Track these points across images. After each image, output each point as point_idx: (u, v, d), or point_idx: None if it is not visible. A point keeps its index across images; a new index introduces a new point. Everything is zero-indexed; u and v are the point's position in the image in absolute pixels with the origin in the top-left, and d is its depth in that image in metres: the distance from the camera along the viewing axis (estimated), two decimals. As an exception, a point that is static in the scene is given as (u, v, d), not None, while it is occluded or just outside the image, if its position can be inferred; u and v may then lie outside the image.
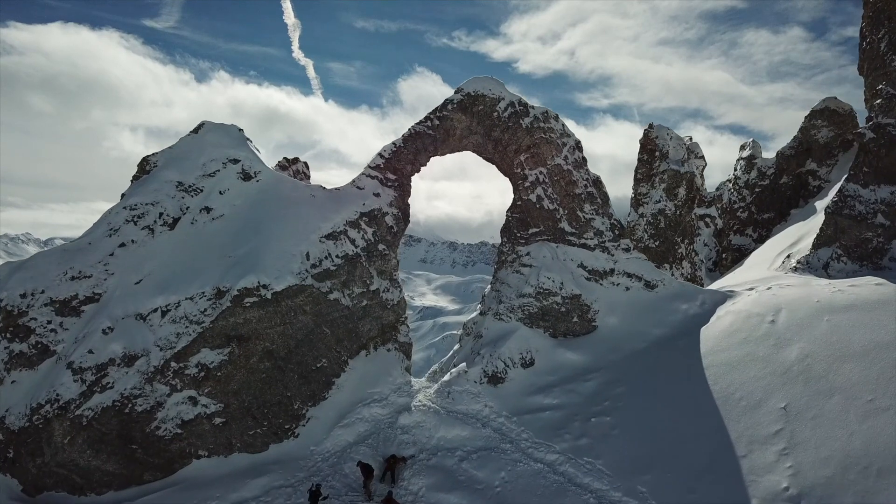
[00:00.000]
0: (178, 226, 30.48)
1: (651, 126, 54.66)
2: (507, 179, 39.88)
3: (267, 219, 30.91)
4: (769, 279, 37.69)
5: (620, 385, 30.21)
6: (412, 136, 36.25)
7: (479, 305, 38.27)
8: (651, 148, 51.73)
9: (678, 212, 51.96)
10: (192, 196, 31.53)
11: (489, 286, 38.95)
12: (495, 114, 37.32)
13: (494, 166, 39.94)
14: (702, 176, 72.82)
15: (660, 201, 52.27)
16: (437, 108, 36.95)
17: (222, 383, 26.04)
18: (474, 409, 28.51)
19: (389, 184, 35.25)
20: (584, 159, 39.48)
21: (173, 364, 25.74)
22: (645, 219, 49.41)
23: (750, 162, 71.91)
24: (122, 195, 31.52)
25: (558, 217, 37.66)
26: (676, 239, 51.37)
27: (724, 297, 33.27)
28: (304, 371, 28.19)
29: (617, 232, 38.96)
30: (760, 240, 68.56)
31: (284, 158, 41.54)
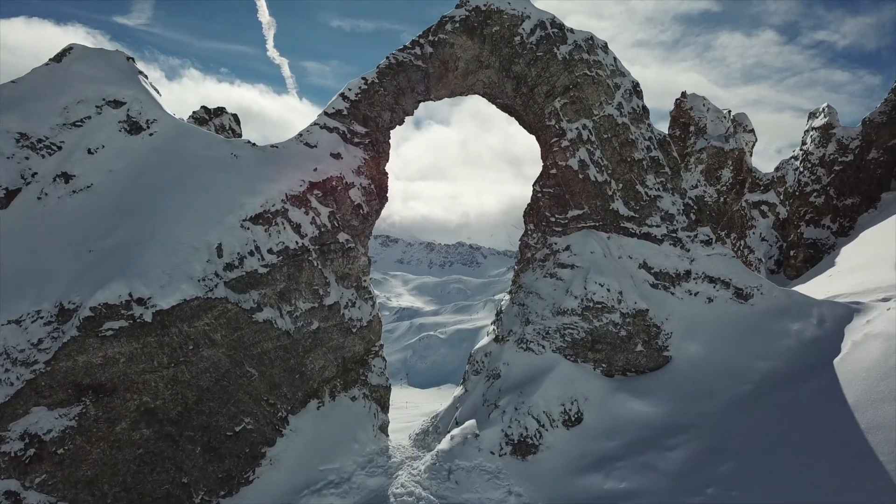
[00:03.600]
0: (14, 202, 24.19)
1: (684, 95, 50.53)
2: (530, 144, 31.37)
3: (160, 191, 24.31)
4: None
5: (726, 457, 23.19)
6: (392, 70, 28.51)
7: (493, 327, 29.36)
8: (684, 121, 48.24)
9: (722, 199, 49.01)
10: (41, 156, 25.24)
11: (506, 297, 30.19)
12: (517, 38, 30.77)
13: (515, 118, 33.42)
14: (751, 154, 66.24)
15: (696, 186, 49.04)
16: (429, 30, 28.31)
17: (66, 467, 19.86)
18: (492, 500, 21.88)
19: (357, 140, 28.65)
20: (646, 109, 31.36)
21: (-20, 435, 19.08)
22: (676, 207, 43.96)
23: (826, 133, 64.21)
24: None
25: (610, 193, 31.06)
26: (720, 233, 47.54)
27: (850, 311, 28.53)
28: (213, 440, 22.43)
29: (693, 216, 30.84)
30: (842, 232, 61.11)
31: (203, 108, 32.79)
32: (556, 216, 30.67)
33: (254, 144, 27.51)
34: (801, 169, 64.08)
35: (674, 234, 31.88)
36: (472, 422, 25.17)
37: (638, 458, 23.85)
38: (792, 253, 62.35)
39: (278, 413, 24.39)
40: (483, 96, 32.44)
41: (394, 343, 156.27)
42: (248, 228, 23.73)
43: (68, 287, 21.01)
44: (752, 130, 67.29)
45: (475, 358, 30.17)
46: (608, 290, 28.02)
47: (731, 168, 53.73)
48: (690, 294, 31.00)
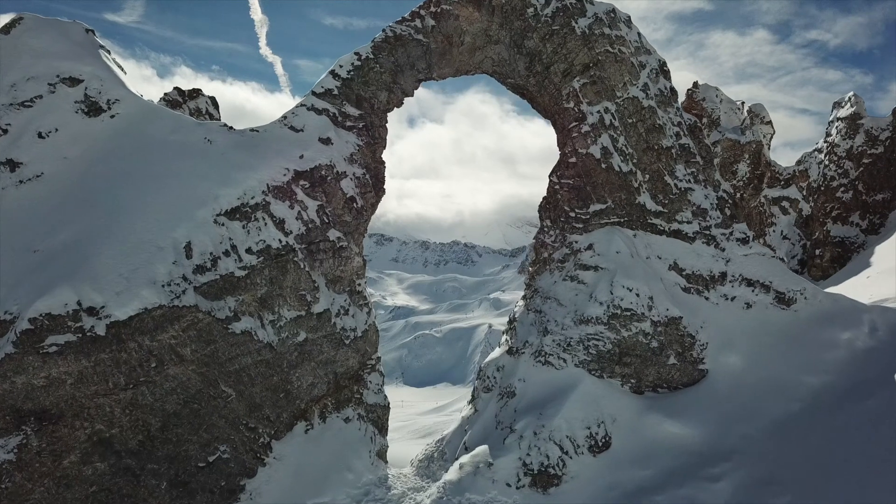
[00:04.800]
0: (-50, 194, 22.37)
1: (696, 86, 49.24)
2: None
3: (120, 181, 22.31)
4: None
5: (780, 490, 21.00)
6: (389, 44, 26.87)
7: (505, 337, 27.19)
8: (697, 113, 45.51)
9: (739, 194, 47.96)
10: (-17, 141, 23.13)
11: (520, 303, 28.00)
12: (530, 10, 29.07)
13: (527, 101, 32.05)
14: (769, 147, 65.17)
15: (711, 181, 47.37)
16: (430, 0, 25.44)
17: (3, 507, 18.10)
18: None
19: (350, 123, 26.58)
20: (674, 91, 29.77)
21: None
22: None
23: (853, 123, 62.43)
24: None
25: (636, 185, 29.45)
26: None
27: (906, 317, 27.13)
28: (182, 473, 20.46)
29: (728, 211, 28.99)
30: (872, 229, 59.56)
31: (176, 89, 30.84)
32: (577, 211, 28.67)
33: (230, 128, 25.30)
34: (827, 162, 62.28)
35: (707, 232, 30.10)
36: (483, 448, 23.01)
37: (678, 491, 21.74)
38: (817, 252, 60.49)
39: (260, 439, 22.41)
40: (492, 75, 30.34)
41: (389, 342, 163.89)
42: (223, 224, 21.65)
43: (5, 294, 18.81)
44: (770, 122, 65.59)
45: (486, 373, 27.84)
46: (637, 295, 25.96)
47: (748, 162, 52.53)
48: (726, 299, 29.24)
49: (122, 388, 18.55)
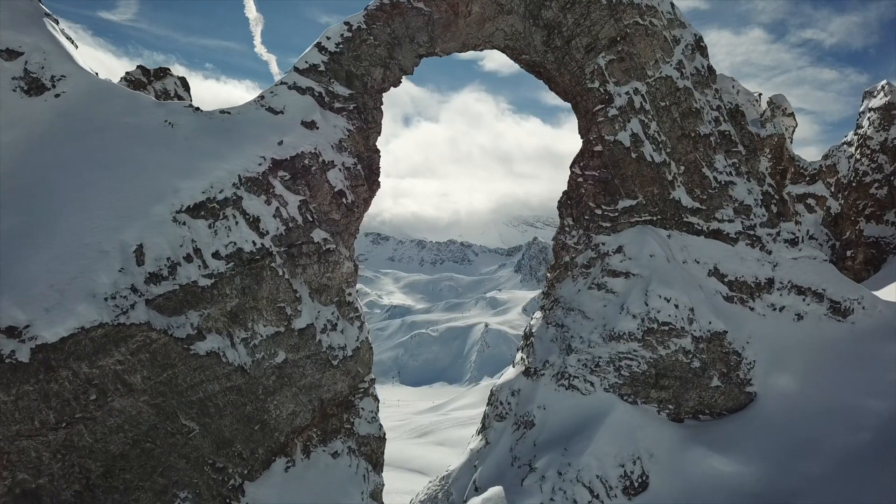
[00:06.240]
0: None
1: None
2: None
3: (62, 170, 19.84)
4: None
5: None
6: (384, 13, 25.23)
7: (520, 355, 24.86)
8: None
9: None
10: None
11: (537, 315, 25.41)
12: None
13: (544, 81, 29.27)
14: (791, 141, 63.66)
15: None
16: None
17: None
18: None
19: (339, 105, 24.00)
20: (712, 70, 27.49)
21: None
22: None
23: (888, 114, 60.32)
24: None
25: (670, 178, 27.30)
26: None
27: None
28: None
29: (774, 207, 26.78)
30: None
31: (140, 68, 28.23)
32: (603, 208, 26.54)
33: (197, 109, 22.64)
34: (858, 156, 60.04)
35: (751, 232, 27.94)
36: (497, 490, 20.50)
37: (733, 546, 18.80)
38: (849, 253, 58.24)
39: (229, 481, 19.90)
40: (503, 51, 28.06)
41: (385, 341, 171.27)
42: (184, 223, 19.13)
43: None
44: (793, 114, 63.55)
45: (498, 398, 25.28)
46: (676, 305, 23.73)
47: (770, 156, 51.48)
48: (774, 309, 27.09)
49: (51, 427, 15.87)
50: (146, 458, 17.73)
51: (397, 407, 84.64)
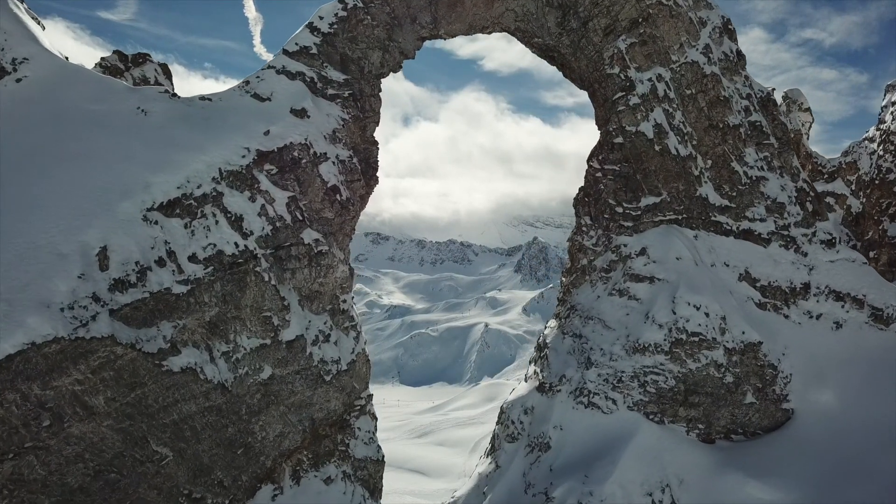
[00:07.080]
0: None
1: None
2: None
3: (20, 163, 18.38)
4: None
5: None
6: None
7: (534, 368, 23.58)
8: None
9: None
10: None
11: (552, 324, 23.78)
12: None
13: (558, 67, 28.04)
14: (808, 137, 62.47)
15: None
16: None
17: None
18: None
19: (332, 91, 22.79)
20: (742, 56, 26.52)
21: None
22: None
23: None
24: None
25: (696, 173, 25.85)
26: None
27: None
28: None
29: (810, 206, 25.41)
30: None
31: (116, 53, 26.83)
32: (625, 205, 25.23)
33: (174, 95, 21.07)
34: (881, 152, 58.30)
35: (785, 232, 26.57)
36: None
37: (778, 587, 17.13)
38: (872, 254, 56.69)
39: None
40: (514, 34, 26.75)
41: (385, 341, 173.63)
42: (156, 222, 17.72)
43: None
44: (809, 109, 62.09)
45: (509, 416, 23.64)
46: (706, 314, 22.27)
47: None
48: (811, 317, 25.73)
49: (-6, 458, 14.13)
50: (110, 490, 16.23)
51: (397, 407, 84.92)
